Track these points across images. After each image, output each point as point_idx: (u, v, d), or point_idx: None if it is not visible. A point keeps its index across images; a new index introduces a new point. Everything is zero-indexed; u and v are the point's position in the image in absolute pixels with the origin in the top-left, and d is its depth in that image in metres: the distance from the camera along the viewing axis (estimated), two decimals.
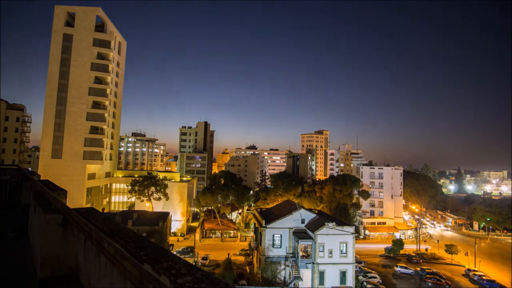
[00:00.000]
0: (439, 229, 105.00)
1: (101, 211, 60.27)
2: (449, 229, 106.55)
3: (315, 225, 48.52)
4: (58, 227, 4.69)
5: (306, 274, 46.75)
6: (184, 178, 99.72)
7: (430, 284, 54.57)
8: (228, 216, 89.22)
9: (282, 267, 48.67)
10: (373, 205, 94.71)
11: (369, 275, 55.01)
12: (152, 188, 75.66)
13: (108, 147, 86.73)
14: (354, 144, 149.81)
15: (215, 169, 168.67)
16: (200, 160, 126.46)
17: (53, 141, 76.19)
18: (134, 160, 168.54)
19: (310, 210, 56.70)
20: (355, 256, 50.26)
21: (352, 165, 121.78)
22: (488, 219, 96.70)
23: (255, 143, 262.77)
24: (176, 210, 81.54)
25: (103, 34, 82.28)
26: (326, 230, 46.58)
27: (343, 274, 46.89)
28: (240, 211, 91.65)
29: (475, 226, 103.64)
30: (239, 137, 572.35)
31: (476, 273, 59.36)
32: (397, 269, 60.77)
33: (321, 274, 46.35)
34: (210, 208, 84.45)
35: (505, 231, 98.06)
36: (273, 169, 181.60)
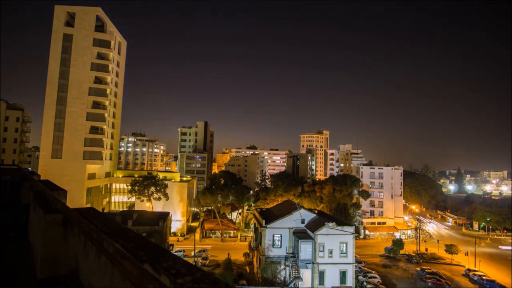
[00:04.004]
0: (440, 229, 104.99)
1: (101, 211, 60.28)
2: (447, 227, 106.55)
3: (315, 225, 48.53)
4: (58, 227, 4.69)
5: (306, 274, 46.76)
6: (184, 178, 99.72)
7: (430, 284, 54.55)
8: (228, 216, 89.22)
9: (282, 267, 48.68)
10: (373, 205, 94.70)
11: (369, 275, 55.00)
12: (152, 188, 75.66)
13: (108, 147, 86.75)
14: (354, 144, 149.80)
15: (215, 169, 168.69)
16: (200, 160, 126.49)
17: (53, 141, 76.19)
18: (134, 160, 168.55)
19: (310, 210, 56.71)
20: (355, 256, 50.29)
21: (352, 165, 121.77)
22: (488, 219, 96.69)
23: (255, 143, 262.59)
24: (176, 210, 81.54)
25: (103, 34, 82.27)
26: (326, 230, 46.58)
27: (343, 274, 46.91)
28: (240, 211, 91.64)
29: (475, 226, 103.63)
30: (239, 137, 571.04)
31: (476, 273, 59.34)
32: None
33: (321, 274, 46.35)
34: (210, 208, 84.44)
35: (505, 231, 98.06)
36: (273, 169, 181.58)
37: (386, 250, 72.19)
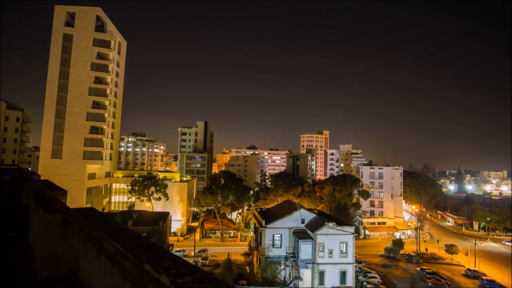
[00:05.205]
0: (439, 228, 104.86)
1: (101, 211, 60.27)
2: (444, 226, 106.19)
3: (315, 225, 48.50)
4: (58, 227, 4.69)
5: (306, 274, 46.74)
6: (184, 178, 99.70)
7: (430, 284, 54.53)
8: (228, 216, 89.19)
9: (282, 267, 48.65)
10: (373, 205, 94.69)
11: (369, 275, 54.99)
12: (152, 188, 75.64)
13: (108, 147, 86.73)
14: (354, 144, 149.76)
15: (215, 169, 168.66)
16: (200, 160, 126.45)
17: (53, 141, 76.17)
18: (134, 160, 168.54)
19: (310, 210, 56.68)
20: (355, 256, 50.26)
21: (352, 165, 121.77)
22: (488, 219, 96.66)
23: (255, 143, 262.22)
24: (176, 210, 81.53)
25: (103, 34, 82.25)
26: (326, 230, 46.55)
27: (343, 274, 46.88)
28: (240, 211, 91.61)
29: (475, 226, 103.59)
30: (239, 137, 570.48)
31: (476, 273, 59.33)
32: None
33: (321, 274, 46.33)
34: (210, 208, 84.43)
35: (505, 231, 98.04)
36: (273, 169, 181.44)
37: (386, 250, 72.18)
